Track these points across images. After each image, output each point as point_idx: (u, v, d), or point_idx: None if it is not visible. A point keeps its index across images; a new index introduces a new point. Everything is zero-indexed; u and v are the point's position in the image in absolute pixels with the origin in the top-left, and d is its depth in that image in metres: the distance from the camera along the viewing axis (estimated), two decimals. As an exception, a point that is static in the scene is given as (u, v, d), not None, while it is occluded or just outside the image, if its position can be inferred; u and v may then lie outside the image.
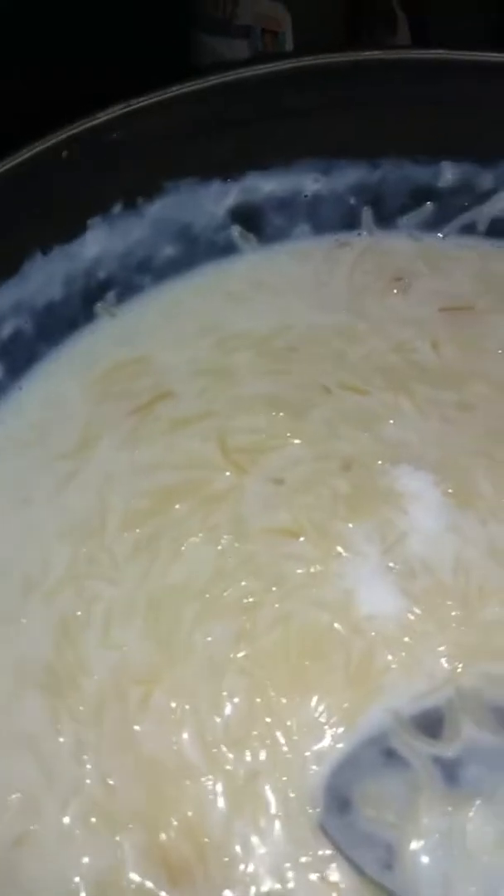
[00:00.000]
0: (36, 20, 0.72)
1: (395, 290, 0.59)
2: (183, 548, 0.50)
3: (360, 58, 0.54)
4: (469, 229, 0.61)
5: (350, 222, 0.61)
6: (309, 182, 0.59)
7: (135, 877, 0.43)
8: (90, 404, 0.55)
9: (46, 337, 0.56)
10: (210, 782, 0.44)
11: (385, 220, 0.61)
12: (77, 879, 0.43)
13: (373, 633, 0.47)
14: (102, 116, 0.51)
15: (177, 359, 0.57)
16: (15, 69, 0.68)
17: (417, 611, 0.47)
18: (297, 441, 0.53)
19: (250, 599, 0.48)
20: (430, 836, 0.41)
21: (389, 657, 0.46)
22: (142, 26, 0.77)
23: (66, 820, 0.44)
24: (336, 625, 0.47)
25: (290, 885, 0.42)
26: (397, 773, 0.43)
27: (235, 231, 0.60)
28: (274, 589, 0.48)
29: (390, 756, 0.44)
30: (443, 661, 0.46)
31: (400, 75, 0.55)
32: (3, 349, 0.54)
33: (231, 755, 0.45)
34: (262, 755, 0.45)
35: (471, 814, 0.41)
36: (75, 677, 0.47)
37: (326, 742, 0.45)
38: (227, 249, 0.60)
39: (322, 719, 0.45)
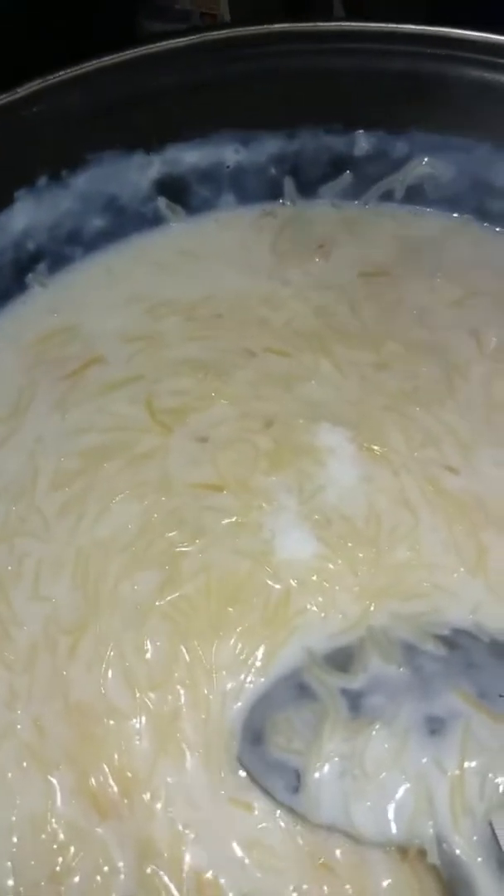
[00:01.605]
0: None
1: (317, 258, 0.62)
2: (111, 504, 0.52)
3: (271, 30, 0.56)
4: (387, 196, 0.63)
5: (274, 192, 0.63)
6: (230, 153, 0.61)
7: (66, 814, 0.45)
8: (23, 371, 0.57)
9: (-23, 309, 0.58)
10: (135, 723, 0.47)
11: (307, 189, 0.63)
12: (13, 818, 0.45)
13: (290, 579, 0.50)
14: (21, 91, 0.52)
15: (106, 326, 0.59)
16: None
17: (333, 556, 0.50)
18: (222, 401, 0.56)
19: (174, 550, 0.51)
20: (333, 760, 0.44)
21: (305, 600, 0.49)
22: (88, 14, 0.78)
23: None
24: (256, 571, 0.50)
25: (209, 813, 0.45)
26: (306, 705, 0.46)
27: (162, 203, 0.62)
28: (198, 541, 0.51)
29: (302, 689, 0.46)
30: (356, 602, 0.49)
31: (307, 47, 0.57)
32: None
33: (154, 696, 0.47)
34: (183, 695, 0.47)
35: (371, 736, 0.44)
36: (7, 628, 0.49)
37: (244, 680, 0.47)
38: (155, 220, 0.62)
39: (240, 659, 0.48)
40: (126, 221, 0.61)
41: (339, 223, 0.63)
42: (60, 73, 0.53)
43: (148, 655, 0.48)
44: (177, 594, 0.49)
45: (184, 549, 0.51)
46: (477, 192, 0.62)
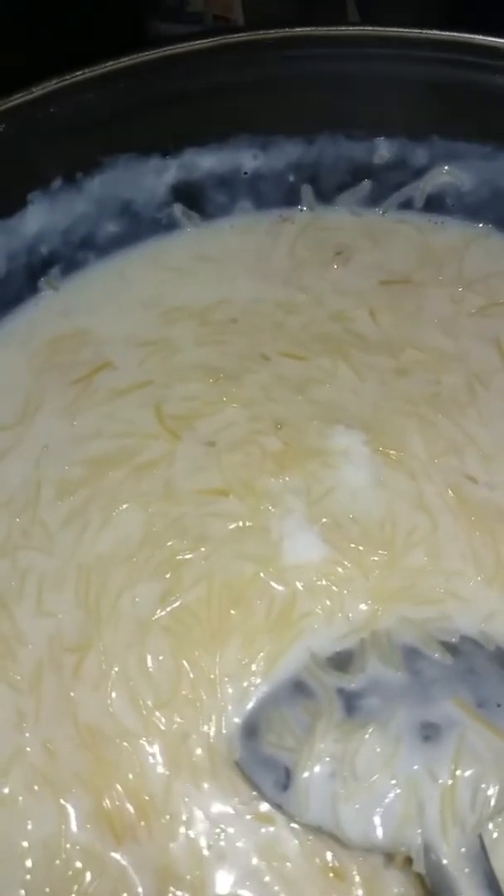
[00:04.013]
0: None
1: (335, 265, 0.60)
2: (114, 514, 0.51)
3: (289, 35, 0.56)
4: (406, 205, 0.62)
5: (291, 199, 0.62)
6: (248, 159, 0.60)
7: (81, 838, 0.44)
8: (32, 376, 0.56)
9: (-11, 312, 0.57)
10: (146, 744, 0.45)
11: (325, 196, 0.62)
12: (25, 844, 0.44)
13: (296, 582, 0.48)
14: (37, 91, 0.51)
15: (118, 331, 0.58)
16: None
17: (341, 559, 0.49)
18: (232, 405, 0.54)
19: (177, 559, 0.49)
20: (324, 760, 0.43)
21: (311, 603, 0.48)
22: (97, 14, 0.78)
23: (7, 788, 0.45)
24: (261, 574, 0.48)
25: (229, 831, 0.44)
26: (302, 702, 0.45)
27: (178, 209, 0.61)
28: (201, 548, 0.49)
29: (298, 687, 0.45)
30: (364, 605, 0.48)
31: (329, 53, 0.56)
32: None
33: (162, 717, 0.46)
34: (191, 712, 0.46)
35: (364, 738, 0.43)
36: (12, 647, 0.48)
37: (247, 690, 0.46)
38: (170, 226, 0.62)
39: (244, 665, 0.46)
40: (140, 227, 0.61)
41: (358, 230, 0.62)
42: (77, 73, 0.52)
43: (151, 672, 0.47)
44: (177, 604, 0.48)
45: (185, 556, 0.49)
46: (498, 202, 0.61)
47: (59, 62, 0.59)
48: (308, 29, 0.55)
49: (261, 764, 0.44)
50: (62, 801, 0.45)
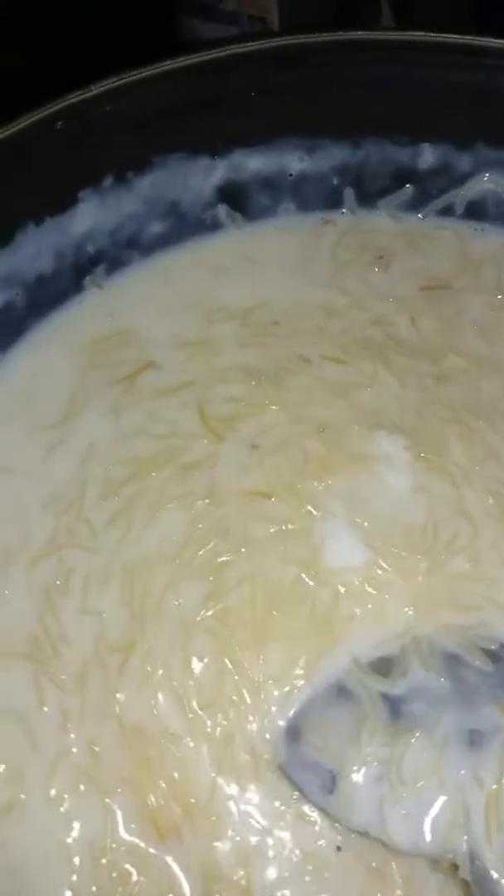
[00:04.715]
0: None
1: (376, 268, 0.61)
2: (157, 514, 0.51)
3: (341, 38, 0.56)
4: (447, 211, 0.63)
5: (333, 202, 0.63)
6: (294, 161, 0.60)
7: (126, 838, 0.45)
8: (76, 374, 0.56)
9: (36, 310, 0.57)
10: (191, 745, 0.46)
11: (366, 200, 0.63)
12: (70, 842, 0.45)
13: (338, 585, 0.49)
14: (95, 89, 0.52)
15: (161, 330, 0.58)
16: (13, 43, 0.68)
17: (383, 563, 0.50)
18: (274, 408, 0.55)
19: (219, 560, 0.50)
20: (370, 765, 0.44)
21: (353, 606, 0.48)
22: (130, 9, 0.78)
23: (54, 788, 0.46)
24: (303, 577, 0.49)
25: (272, 830, 0.45)
26: (345, 706, 0.45)
27: (223, 210, 0.61)
28: (243, 549, 0.50)
29: (341, 691, 0.46)
30: (405, 610, 0.48)
31: (380, 57, 0.57)
32: (-6, 318, 0.55)
33: (206, 717, 0.47)
34: (234, 712, 0.47)
35: (410, 743, 0.44)
36: (57, 646, 0.49)
37: (290, 693, 0.47)
38: (213, 226, 0.62)
39: (286, 671, 0.47)
40: (185, 226, 0.61)
41: (399, 235, 0.63)
42: (133, 73, 0.53)
43: (196, 673, 0.48)
44: (220, 606, 0.49)
45: (228, 558, 0.50)
46: (540, 210, 0.62)
47: (93, 57, 0.60)
48: (359, 34, 0.56)
49: (305, 767, 0.45)
50: (107, 800, 0.45)
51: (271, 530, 0.51)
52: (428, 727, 0.44)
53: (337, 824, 0.44)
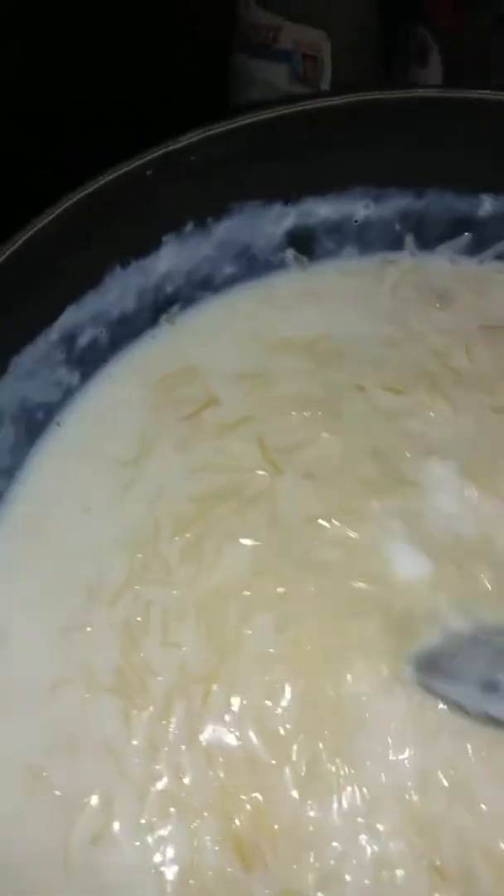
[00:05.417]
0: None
1: (437, 305, 0.63)
2: (224, 549, 0.53)
3: (412, 96, 0.59)
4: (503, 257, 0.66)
5: (394, 245, 0.65)
6: (360, 208, 0.63)
7: (212, 862, 0.46)
8: (147, 411, 0.58)
9: (116, 346, 0.59)
10: (274, 770, 0.48)
11: (426, 244, 0.65)
12: (160, 869, 0.46)
13: (408, 598, 0.51)
14: (184, 140, 0.54)
15: (224, 365, 0.60)
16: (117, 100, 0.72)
17: (448, 572, 0.52)
18: (330, 436, 0.57)
19: (285, 589, 0.52)
20: None
21: (426, 619, 0.50)
22: (183, 48, 0.81)
23: (143, 816, 0.47)
24: (372, 591, 0.51)
25: (358, 854, 0.46)
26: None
27: (290, 253, 0.64)
28: (309, 574, 0.52)
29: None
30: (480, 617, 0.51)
31: (445, 114, 0.59)
32: (80, 357, 0.57)
33: (290, 741, 0.48)
34: (318, 737, 0.48)
35: None
36: (143, 679, 0.50)
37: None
38: (280, 267, 0.64)
39: (367, 683, 0.49)
40: (254, 268, 0.63)
41: (458, 277, 0.65)
42: (219, 125, 0.55)
43: (277, 700, 0.49)
44: (293, 631, 0.50)
45: (296, 585, 0.52)
46: None
47: (150, 98, 0.62)
48: (429, 91, 0.59)
49: (457, 679, 0.48)
50: (194, 825, 0.47)
51: (334, 553, 0.53)
52: None
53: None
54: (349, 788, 0.47)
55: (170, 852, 0.46)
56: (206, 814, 0.47)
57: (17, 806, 0.48)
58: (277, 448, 0.57)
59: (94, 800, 0.48)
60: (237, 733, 0.49)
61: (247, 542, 0.53)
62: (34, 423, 0.56)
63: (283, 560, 0.53)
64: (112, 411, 0.59)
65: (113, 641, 0.51)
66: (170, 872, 0.46)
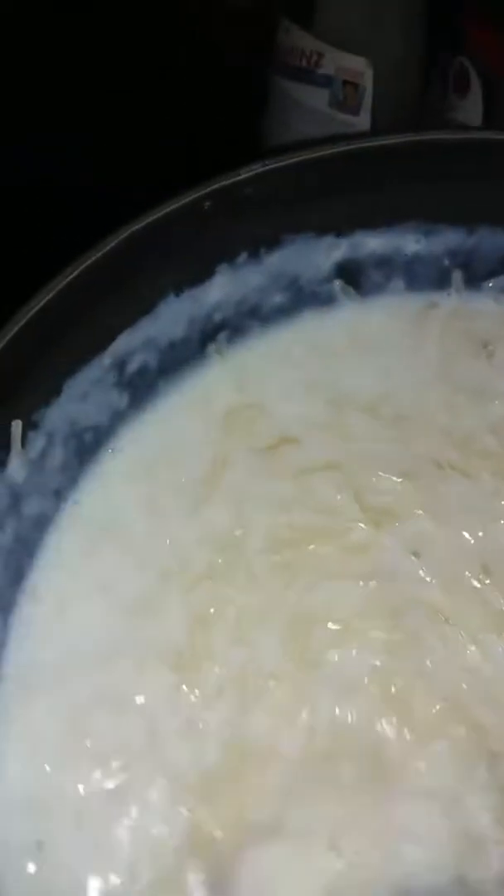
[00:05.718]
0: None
1: (484, 356, 0.63)
2: (320, 584, 0.53)
3: (468, 138, 0.59)
4: (550, 297, 0.66)
5: (441, 282, 0.65)
6: (410, 243, 0.63)
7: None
8: (213, 438, 0.58)
9: (165, 372, 0.59)
10: (289, 774, 0.48)
11: (472, 281, 0.65)
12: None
13: None
14: (243, 173, 0.54)
15: (291, 410, 0.59)
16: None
17: None
18: (426, 515, 0.56)
19: (394, 638, 0.52)
20: None
21: None
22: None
23: (155, 795, 0.48)
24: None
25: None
26: None
27: (337, 285, 0.63)
28: (415, 652, 0.51)
29: None
30: None
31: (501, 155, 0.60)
32: (130, 381, 0.57)
33: (327, 761, 0.48)
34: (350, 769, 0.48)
35: None
36: (201, 663, 0.51)
37: None
38: (326, 300, 0.64)
39: None
40: (301, 300, 0.63)
41: (501, 319, 0.65)
42: (276, 160, 0.55)
43: (344, 721, 0.49)
44: (394, 684, 0.51)
45: (401, 649, 0.51)
46: None
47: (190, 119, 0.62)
48: (486, 133, 0.59)
49: None
50: (197, 810, 0.48)
51: (451, 628, 0.52)
52: None
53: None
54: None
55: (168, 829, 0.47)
56: (211, 799, 0.48)
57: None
58: (374, 507, 0.56)
59: (115, 765, 0.48)
60: (276, 734, 0.49)
61: (350, 584, 0.53)
62: (84, 445, 0.56)
63: (391, 622, 0.52)
64: (174, 437, 0.59)
65: (180, 623, 0.52)
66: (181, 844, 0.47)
